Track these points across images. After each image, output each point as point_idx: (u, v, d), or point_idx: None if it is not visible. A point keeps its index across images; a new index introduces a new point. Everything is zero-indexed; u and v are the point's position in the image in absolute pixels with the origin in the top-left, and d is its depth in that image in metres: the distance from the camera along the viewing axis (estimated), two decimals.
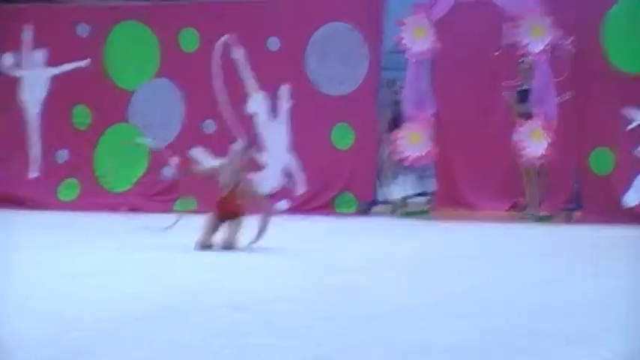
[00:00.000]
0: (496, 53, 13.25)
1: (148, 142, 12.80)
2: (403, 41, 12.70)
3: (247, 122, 13.60)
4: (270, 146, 13.61)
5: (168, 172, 12.93)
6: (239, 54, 13.70)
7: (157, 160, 13.72)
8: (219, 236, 9.58)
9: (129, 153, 13.83)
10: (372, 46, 13.33)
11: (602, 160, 12.59)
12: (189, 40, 13.90)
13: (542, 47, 12.19)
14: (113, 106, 14.03)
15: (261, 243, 9.52)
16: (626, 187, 12.46)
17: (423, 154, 12.69)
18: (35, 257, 9.04)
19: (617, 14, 12.58)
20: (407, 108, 12.82)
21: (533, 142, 12.17)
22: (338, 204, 13.31)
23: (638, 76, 12.42)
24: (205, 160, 12.73)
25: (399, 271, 8.45)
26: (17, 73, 14.48)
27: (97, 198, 13.83)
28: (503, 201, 13.25)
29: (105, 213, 13.23)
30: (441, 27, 12.86)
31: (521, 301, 6.93)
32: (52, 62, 14.36)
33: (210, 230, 9.61)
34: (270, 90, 13.53)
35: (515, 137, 12.40)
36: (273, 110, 13.59)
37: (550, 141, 12.12)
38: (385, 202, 13.60)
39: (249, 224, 9.61)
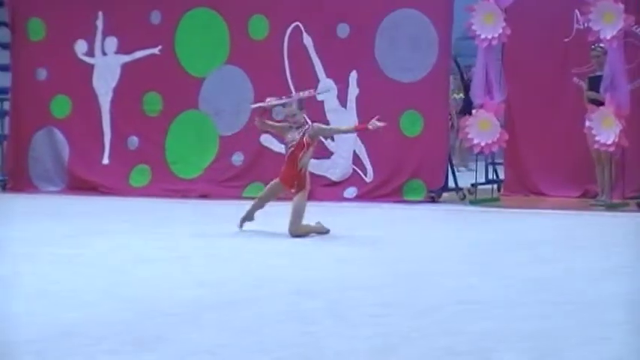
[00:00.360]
0: (567, 39, 13.15)
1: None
2: (473, 27, 12.62)
3: (316, 109, 13.62)
4: None
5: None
6: (308, 41, 13.73)
7: (227, 146, 13.83)
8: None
9: (199, 139, 13.95)
10: (441, 32, 13.23)
11: None
12: (258, 27, 13.93)
13: (614, 33, 12.02)
14: (184, 92, 14.12)
15: (331, 231, 9.65)
16: None
17: (494, 140, 12.61)
18: (113, 242, 9.26)
19: None
20: (476, 95, 12.75)
21: (605, 129, 12.02)
22: (406, 191, 13.25)
23: None
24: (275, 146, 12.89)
25: (469, 259, 8.45)
26: (90, 60, 14.66)
27: (167, 184, 13.97)
28: (573, 188, 13.14)
29: (175, 199, 13.37)
30: (511, 13, 12.76)
31: (592, 290, 6.90)
32: (123, 49, 14.51)
33: (258, 206, 9.92)
34: (340, 76, 13.52)
35: (587, 124, 12.28)
36: (342, 97, 13.58)
37: (622, 128, 11.98)
38: (455, 190, 13.54)
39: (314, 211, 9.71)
